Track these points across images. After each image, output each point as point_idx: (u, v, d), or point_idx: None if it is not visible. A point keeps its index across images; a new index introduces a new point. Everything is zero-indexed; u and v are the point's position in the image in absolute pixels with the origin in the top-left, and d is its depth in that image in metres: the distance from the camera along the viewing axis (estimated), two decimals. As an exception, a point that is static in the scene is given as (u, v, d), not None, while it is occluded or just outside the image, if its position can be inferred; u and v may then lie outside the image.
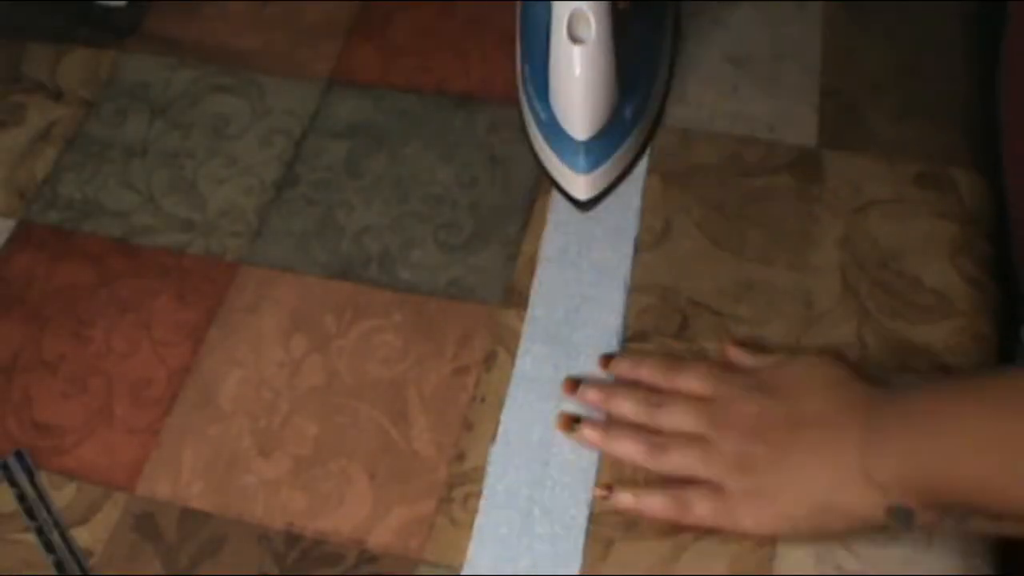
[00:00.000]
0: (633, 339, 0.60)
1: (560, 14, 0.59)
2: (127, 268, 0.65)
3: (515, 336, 0.60)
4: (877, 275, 0.61)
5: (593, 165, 0.63)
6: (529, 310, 0.61)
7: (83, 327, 0.63)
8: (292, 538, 0.55)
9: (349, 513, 0.56)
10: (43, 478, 0.58)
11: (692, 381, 0.55)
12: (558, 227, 0.64)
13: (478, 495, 0.56)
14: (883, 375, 0.55)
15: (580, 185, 0.64)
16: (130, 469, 0.58)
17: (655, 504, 0.53)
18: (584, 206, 0.64)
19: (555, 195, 0.65)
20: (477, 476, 0.56)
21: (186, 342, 0.62)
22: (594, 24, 0.58)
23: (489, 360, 0.60)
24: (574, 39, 0.59)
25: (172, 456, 0.58)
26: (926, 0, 0.71)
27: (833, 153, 0.66)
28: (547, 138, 0.64)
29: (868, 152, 0.66)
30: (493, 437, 0.57)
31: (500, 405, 0.58)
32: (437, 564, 0.54)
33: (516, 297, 0.62)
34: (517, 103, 0.69)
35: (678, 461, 0.53)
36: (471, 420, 0.58)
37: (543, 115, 0.64)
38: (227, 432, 0.59)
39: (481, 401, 0.59)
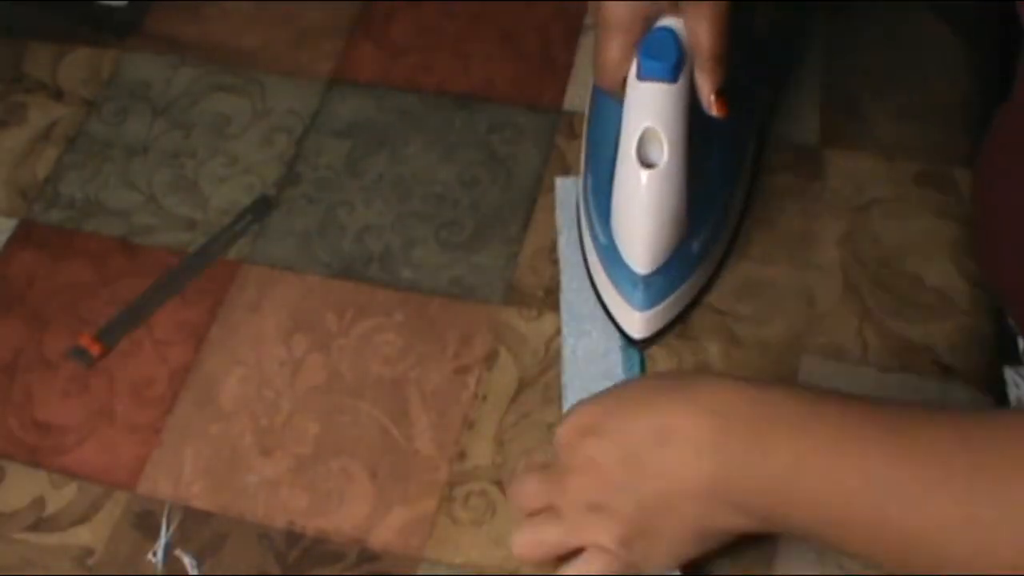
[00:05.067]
0: (634, 338, 0.60)
1: (630, 131, 0.53)
2: (128, 267, 0.65)
3: (516, 335, 0.60)
4: (878, 274, 0.61)
5: (652, 302, 0.57)
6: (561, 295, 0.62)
7: (84, 326, 0.63)
8: (293, 537, 0.55)
9: (350, 512, 0.56)
10: (44, 477, 0.58)
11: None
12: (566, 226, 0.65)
13: (479, 494, 0.56)
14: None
15: (636, 323, 0.57)
16: (131, 468, 0.58)
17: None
18: (639, 344, 0.58)
19: (554, 193, 0.65)
20: (478, 475, 0.56)
21: (187, 341, 0.62)
22: (667, 147, 0.52)
23: (490, 359, 0.60)
24: (644, 162, 0.53)
25: (173, 455, 0.58)
26: (926, 0, 0.71)
27: (834, 152, 0.66)
28: (604, 263, 0.58)
29: (869, 151, 0.66)
30: (495, 435, 0.57)
31: (501, 403, 0.58)
32: (438, 563, 0.54)
33: (517, 296, 0.62)
34: (577, 212, 0.63)
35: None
36: (472, 419, 0.58)
37: (602, 238, 0.58)
38: (228, 431, 0.59)
39: (482, 400, 0.59)
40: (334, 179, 0.68)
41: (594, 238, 0.59)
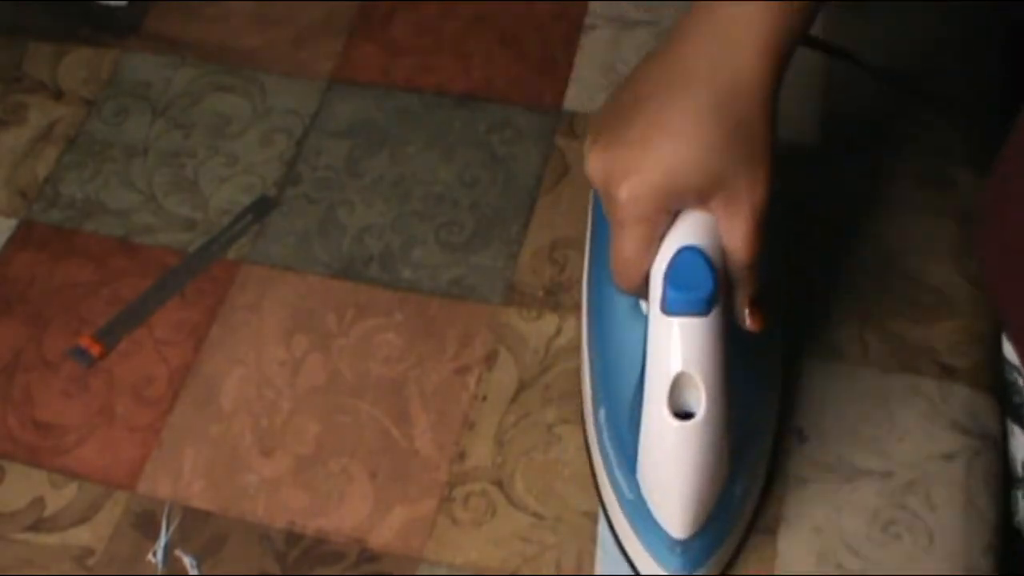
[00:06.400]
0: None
1: (658, 376, 0.43)
2: (128, 267, 0.65)
3: (516, 335, 0.60)
4: (878, 274, 0.61)
5: (692, 566, 0.48)
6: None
7: (84, 326, 0.63)
8: (293, 537, 0.55)
9: (350, 512, 0.56)
10: (44, 477, 0.58)
11: None
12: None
13: (479, 494, 0.56)
14: None
15: None
16: (131, 468, 0.58)
17: None
18: None
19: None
20: (478, 475, 0.56)
21: (187, 341, 0.62)
22: (705, 393, 0.43)
23: (490, 359, 0.60)
24: (676, 411, 0.43)
25: (173, 455, 0.58)
26: (926, 0, 0.71)
27: (835, 152, 0.66)
28: (632, 521, 0.49)
29: (868, 151, 0.66)
30: (495, 435, 0.57)
31: (501, 403, 0.58)
32: (438, 563, 0.54)
33: (517, 296, 0.62)
34: (586, 447, 0.54)
35: None
36: (472, 419, 0.58)
37: (628, 491, 0.49)
38: (228, 431, 0.59)
39: (482, 400, 0.59)
40: (334, 179, 0.68)
41: (616, 489, 0.50)
